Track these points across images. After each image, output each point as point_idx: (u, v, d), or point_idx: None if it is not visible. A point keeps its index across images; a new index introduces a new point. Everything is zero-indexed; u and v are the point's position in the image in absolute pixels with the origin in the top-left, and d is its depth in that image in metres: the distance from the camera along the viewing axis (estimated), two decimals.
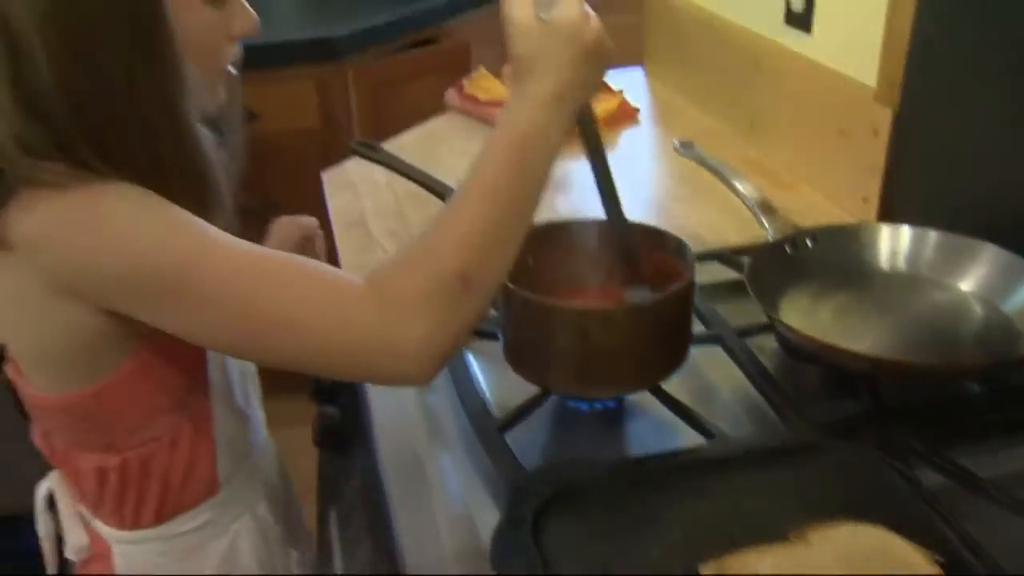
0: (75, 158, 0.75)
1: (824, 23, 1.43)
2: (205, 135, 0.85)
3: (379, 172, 1.35)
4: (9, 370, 0.91)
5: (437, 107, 1.94)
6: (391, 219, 1.43)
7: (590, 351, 0.90)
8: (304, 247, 1.22)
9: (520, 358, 0.96)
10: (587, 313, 0.91)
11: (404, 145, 1.72)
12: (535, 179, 0.80)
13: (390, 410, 1.02)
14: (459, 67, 2.67)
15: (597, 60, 0.83)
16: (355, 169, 1.59)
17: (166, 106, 0.79)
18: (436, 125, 1.84)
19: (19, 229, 0.75)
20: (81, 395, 0.87)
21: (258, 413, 1.07)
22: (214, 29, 0.86)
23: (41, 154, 0.75)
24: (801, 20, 1.47)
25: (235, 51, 0.90)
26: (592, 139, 0.91)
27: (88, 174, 0.75)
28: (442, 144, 1.73)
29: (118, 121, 0.77)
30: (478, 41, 2.80)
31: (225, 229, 0.79)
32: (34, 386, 0.89)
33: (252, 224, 0.93)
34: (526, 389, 0.96)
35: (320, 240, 1.26)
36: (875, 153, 1.29)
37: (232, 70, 0.91)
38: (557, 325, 0.91)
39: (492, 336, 1.03)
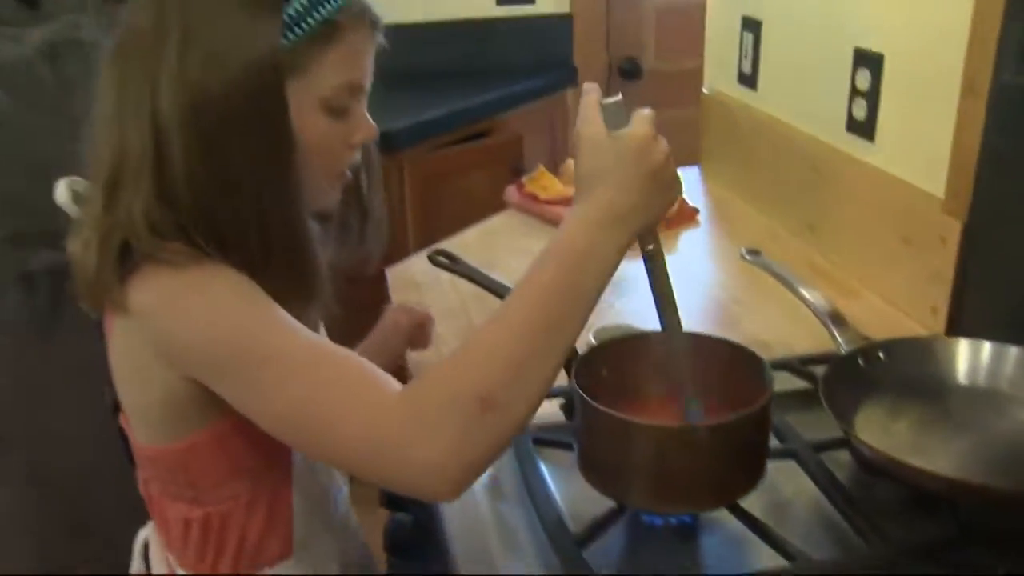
0: (193, 241, 0.85)
1: (888, 132, 1.45)
2: (315, 230, 0.93)
3: (444, 272, 1.37)
4: (122, 419, 1.01)
5: (490, 198, 1.97)
6: (456, 318, 1.44)
7: (669, 469, 0.90)
8: (415, 334, 1.28)
9: (595, 471, 0.96)
10: (667, 431, 0.91)
11: (465, 243, 1.74)
12: (581, 302, 0.81)
13: (462, 518, 1.02)
14: (511, 159, 2.72)
15: (662, 184, 0.84)
16: (419, 267, 1.61)
17: (282, 204, 0.87)
18: (496, 223, 1.86)
19: (137, 298, 0.85)
20: (172, 449, 0.94)
21: (340, 484, 1.10)
22: (335, 138, 0.93)
23: (165, 235, 0.85)
24: (864, 128, 1.49)
25: (354, 156, 0.97)
26: (657, 270, 0.89)
27: (203, 256, 0.85)
28: (502, 242, 1.75)
29: (236, 214, 0.86)
30: (530, 133, 2.85)
31: (324, 314, 0.93)
32: (137, 436, 0.98)
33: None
34: (600, 498, 0.96)
35: (431, 326, 1.30)
36: (943, 263, 1.29)
37: (348, 173, 0.98)
38: (636, 442, 0.91)
39: (566, 446, 1.03)
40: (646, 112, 0.85)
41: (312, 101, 0.89)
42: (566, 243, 0.82)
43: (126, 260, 0.85)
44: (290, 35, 0.85)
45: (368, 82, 0.93)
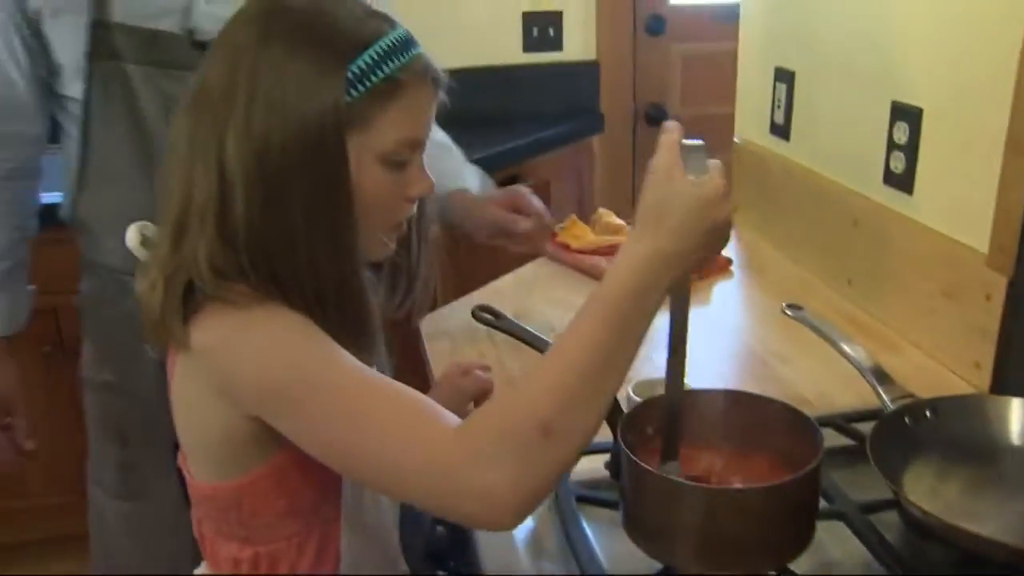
0: (253, 283, 0.88)
1: (927, 185, 1.44)
2: (369, 279, 0.95)
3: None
4: (180, 458, 1.02)
5: None
6: (493, 370, 1.42)
7: (718, 532, 0.88)
8: (479, 396, 1.28)
9: (642, 532, 0.94)
10: (718, 493, 0.90)
11: (498, 292, 1.73)
12: (632, 336, 0.83)
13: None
14: None
15: (715, 240, 0.85)
16: (452, 316, 1.60)
17: (336, 253, 0.90)
18: (528, 272, 1.85)
19: (199, 337, 0.88)
20: (230, 486, 0.96)
21: (389, 526, 1.09)
22: (392, 190, 0.94)
23: (228, 276, 0.88)
24: (902, 181, 1.48)
25: (410, 209, 0.99)
26: (679, 315, 0.90)
27: (264, 297, 0.88)
28: (534, 292, 1.74)
29: (292, 260, 0.88)
30: (557, 179, 2.86)
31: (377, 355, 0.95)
32: (195, 474, 0.99)
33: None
34: (645, 558, 0.94)
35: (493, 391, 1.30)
36: (987, 318, 1.28)
37: (404, 225, 1.00)
38: (685, 504, 0.89)
39: (611, 505, 1.01)
40: (718, 163, 0.85)
41: (371, 155, 0.91)
42: (617, 279, 0.83)
43: (190, 300, 0.88)
44: (353, 91, 0.87)
45: (428, 137, 0.95)
